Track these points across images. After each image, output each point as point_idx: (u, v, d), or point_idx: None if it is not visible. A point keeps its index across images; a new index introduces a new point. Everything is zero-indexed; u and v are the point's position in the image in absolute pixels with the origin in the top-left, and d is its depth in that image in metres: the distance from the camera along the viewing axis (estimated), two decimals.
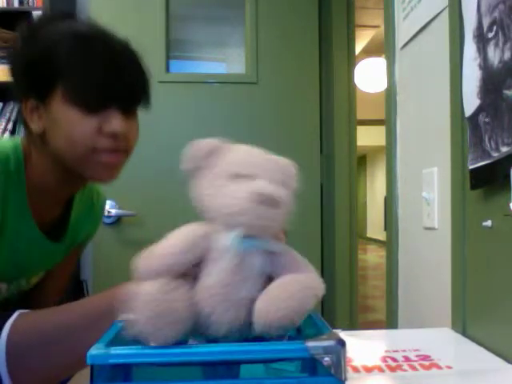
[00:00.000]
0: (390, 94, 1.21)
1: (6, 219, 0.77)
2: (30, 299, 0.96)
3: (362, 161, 12.88)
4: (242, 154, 0.46)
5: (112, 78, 0.74)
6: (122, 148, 0.78)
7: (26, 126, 0.78)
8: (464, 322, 0.83)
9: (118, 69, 0.75)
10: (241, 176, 0.43)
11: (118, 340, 0.42)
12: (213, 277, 0.42)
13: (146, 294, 0.38)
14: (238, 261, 0.42)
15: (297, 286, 0.40)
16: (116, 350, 0.38)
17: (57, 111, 0.73)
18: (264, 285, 0.43)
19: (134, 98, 0.79)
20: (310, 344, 0.38)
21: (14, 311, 0.63)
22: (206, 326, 0.42)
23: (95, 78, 0.73)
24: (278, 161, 0.47)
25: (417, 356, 0.68)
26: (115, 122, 0.74)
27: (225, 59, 2.48)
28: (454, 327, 0.86)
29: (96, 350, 0.38)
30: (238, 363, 0.42)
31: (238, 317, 0.41)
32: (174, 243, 0.42)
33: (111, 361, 0.38)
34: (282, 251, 0.44)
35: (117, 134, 0.75)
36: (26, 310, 0.65)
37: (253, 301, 0.41)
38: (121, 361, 0.38)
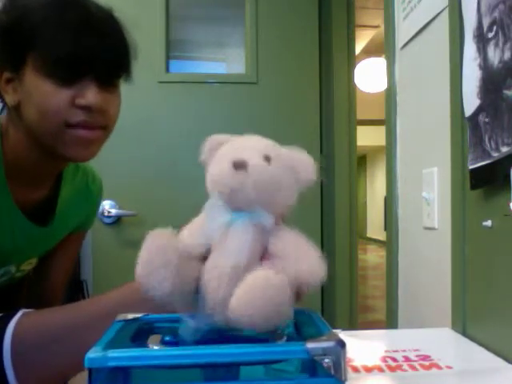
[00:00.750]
0: (390, 94, 1.21)
1: None
2: (30, 291, 0.94)
3: (362, 161, 12.88)
4: (242, 139, 0.48)
5: (86, 46, 0.69)
6: (100, 123, 0.73)
7: (3, 99, 0.75)
8: (464, 322, 0.83)
9: (94, 37, 0.69)
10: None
11: (116, 342, 0.42)
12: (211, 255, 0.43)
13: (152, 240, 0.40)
14: (225, 235, 0.43)
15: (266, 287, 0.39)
16: (114, 353, 0.38)
17: (30, 83, 0.70)
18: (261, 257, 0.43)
19: (112, 70, 0.74)
20: (310, 345, 0.38)
21: (17, 310, 0.63)
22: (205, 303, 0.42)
23: (67, 47, 0.68)
24: (273, 144, 0.48)
25: (417, 356, 0.68)
26: (89, 95, 0.70)
27: (225, 59, 2.48)
28: (454, 327, 0.86)
29: (94, 353, 0.37)
30: (237, 365, 0.42)
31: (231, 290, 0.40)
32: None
33: (109, 364, 0.37)
34: (271, 225, 0.44)
35: (91, 106, 0.70)
36: (30, 310, 0.64)
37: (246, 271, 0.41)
38: (119, 364, 0.38)
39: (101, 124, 0.74)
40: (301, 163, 0.47)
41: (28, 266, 0.91)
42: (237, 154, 0.44)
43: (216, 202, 0.44)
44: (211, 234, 0.44)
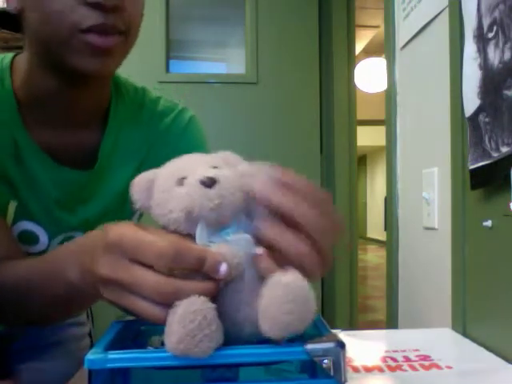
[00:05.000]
0: (390, 94, 1.21)
1: None
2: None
3: (362, 161, 12.88)
4: (179, 161, 0.46)
5: None
6: (117, 26, 0.59)
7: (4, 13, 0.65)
8: (464, 322, 0.83)
9: None
10: (181, 178, 0.43)
11: (116, 343, 0.41)
12: None
13: (179, 310, 0.37)
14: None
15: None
16: (114, 355, 0.37)
17: None
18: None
19: None
20: (310, 346, 0.38)
21: None
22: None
23: None
24: (216, 154, 0.48)
25: (417, 356, 0.68)
26: None
27: (225, 59, 2.48)
28: (454, 327, 0.86)
29: (94, 355, 0.37)
30: (237, 366, 0.41)
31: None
32: None
33: (109, 365, 0.37)
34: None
35: (103, 3, 0.56)
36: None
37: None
38: (119, 365, 0.38)
39: (118, 28, 0.60)
40: (233, 160, 0.47)
41: None
42: (192, 176, 0.42)
43: (202, 229, 0.41)
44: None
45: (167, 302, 0.38)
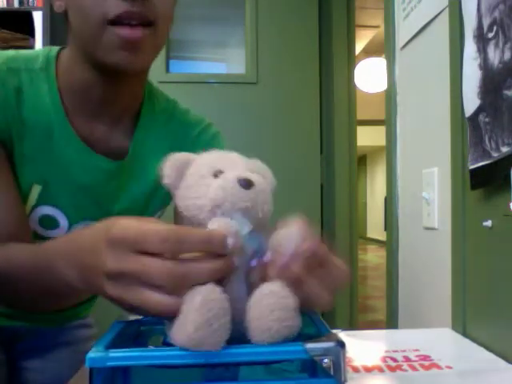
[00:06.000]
0: (390, 94, 1.21)
1: (29, 114, 0.67)
2: None
3: (362, 161, 12.88)
4: (215, 154, 0.47)
5: None
6: (143, 15, 0.61)
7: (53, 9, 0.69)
8: (464, 322, 0.83)
9: None
10: (218, 171, 0.43)
11: (117, 342, 0.41)
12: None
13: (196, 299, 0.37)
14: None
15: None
16: (115, 353, 0.38)
17: None
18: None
19: None
20: (310, 346, 0.38)
21: None
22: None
23: None
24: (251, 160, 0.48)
25: (417, 356, 0.68)
26: None
27: (225, 59, 2.48)
28: (454, 327, 0.86)
29: (94, 353, 0.37)
30: (237, 365, 0.42)
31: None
32: None
33: (110, 363, 0.37)
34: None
35: None
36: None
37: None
38: (119, 363, 0.38)
39: (145, 18, 0.61)
40: (265, 171, 0.48)
41: None
42: (232, 173, 0.42)
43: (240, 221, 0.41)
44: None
45: (178, 288, 0.38)
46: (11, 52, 0.70)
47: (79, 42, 0.66)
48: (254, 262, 0.42)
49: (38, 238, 0.71)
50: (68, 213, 0.73)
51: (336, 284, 0.43)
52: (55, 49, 0.73)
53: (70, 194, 0.72)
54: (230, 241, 0.39)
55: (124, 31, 0.60)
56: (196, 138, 0.83)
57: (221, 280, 0.40)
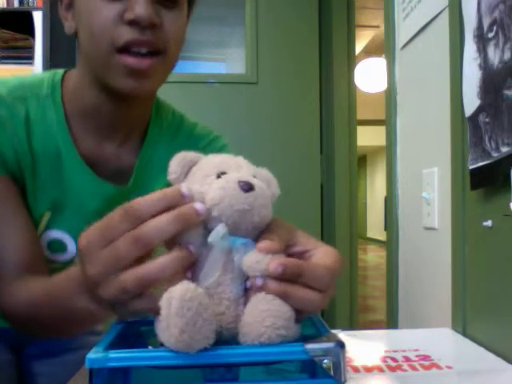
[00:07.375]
0: (390, 94, 1.21)
1: (38, 144, 0.67)
2: None
3: (362, 161, 12.88)
4: (221, 157, 0.48)
5: None
6: (152, 43, 0.61)
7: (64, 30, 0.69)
8: (464, 322, 0.83)
9: None
10: (222, 172, 0.44)
11: (117, 343, 0.41)
12: (208, 277, 0.42)
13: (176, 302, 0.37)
14: (225, 259, 0.42)
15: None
16: (114, 354, 0.38)
17: (81, 1, 0.63)
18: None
19: None
20: (309, 346, 0.38)
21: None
22: None
23: None
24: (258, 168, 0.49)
25: (417, 356, 0.68)
26: (138, 6, 0.59)
27: (225, 59, 2.48)
28: (454, 327, 0.86)
29: (94, 354, 0.38)
30: (237, 366, 0.42)
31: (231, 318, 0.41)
32: None
33: (110, 364, 0.37)
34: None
35: (139, 20, 0.59)
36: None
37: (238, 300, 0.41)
38: (119, 364, 0.38)
39: (155, 47, 0.62)
40: (271, 180, 0.48)
41: None
42: (233, 175, 0.43)
43: (222, 228, 0.41)
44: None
45: (143, 247, 0.39)
46: (15, 79, 0.70)
47: (88, 64, 0.66)
48: (248, 284, 0.42)
49: (46, 261, 0.71)
50: (76, 236, 0.73)
51: (325, 282, 0.42)
52: (60, 72, 0.73)
53: (79, 218, 0.72)
54: (199, 206, 0.40)
55: (131, 60, 0.61)
56: (202, 151, 0.83)
57: (191, 269, 0.41)
